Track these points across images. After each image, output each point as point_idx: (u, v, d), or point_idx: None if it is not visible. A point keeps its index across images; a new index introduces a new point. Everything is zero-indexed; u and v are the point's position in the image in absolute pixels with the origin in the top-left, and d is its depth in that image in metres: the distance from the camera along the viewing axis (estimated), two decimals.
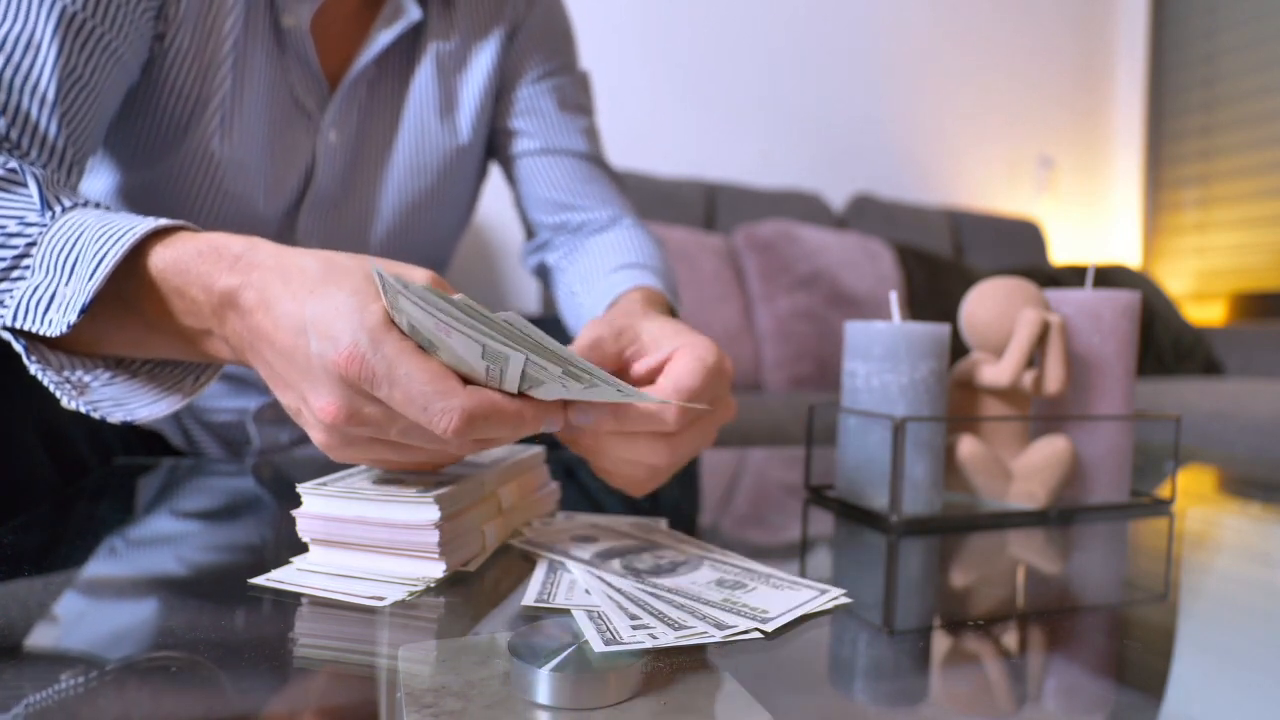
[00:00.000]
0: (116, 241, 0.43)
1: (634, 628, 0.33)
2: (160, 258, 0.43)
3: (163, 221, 0.45)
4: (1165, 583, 0.48)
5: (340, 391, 0.36)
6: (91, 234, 0.44)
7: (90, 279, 0.43)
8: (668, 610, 0.35)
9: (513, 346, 0.35)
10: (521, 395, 0.38)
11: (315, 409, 0.37)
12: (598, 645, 0.30)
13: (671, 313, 0.67)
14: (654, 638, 0.32)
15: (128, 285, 0.44)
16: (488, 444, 0.39)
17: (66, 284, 0.44)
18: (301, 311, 0.37)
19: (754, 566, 0.43)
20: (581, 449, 0.44)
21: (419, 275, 0.39)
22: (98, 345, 0.48)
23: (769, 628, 0.34)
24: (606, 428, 0.41)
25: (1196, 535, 0.60)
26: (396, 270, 0.38)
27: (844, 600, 0.38)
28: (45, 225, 0.46)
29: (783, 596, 0.38)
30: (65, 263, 0.44)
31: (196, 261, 0.42)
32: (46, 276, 0.45)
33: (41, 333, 0.44)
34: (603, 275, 0.76)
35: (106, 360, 0.49)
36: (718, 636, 0.33)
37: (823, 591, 0.39)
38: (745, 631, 0.34)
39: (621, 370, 0.46)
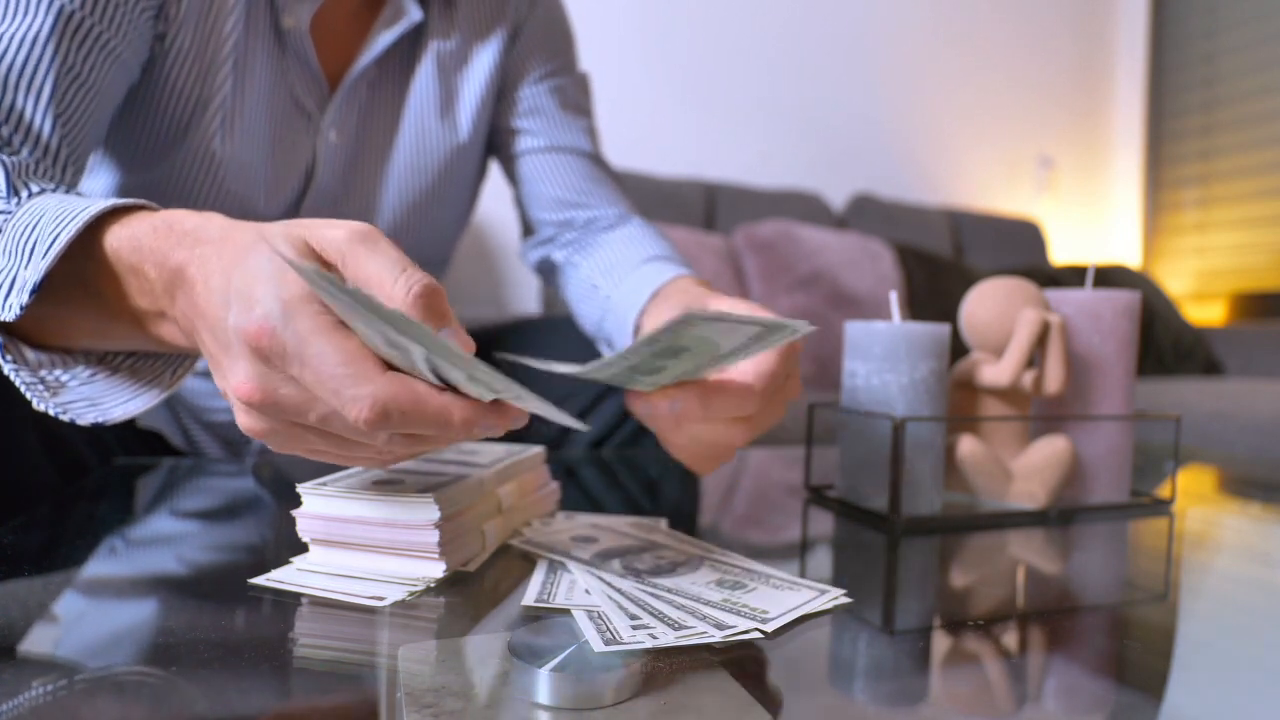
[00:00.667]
0: (70, 220, 0.41)
1: (634, 628, 0.33)
2: (116, 236, 0.41)
3: (118, 201, 0.43)
4: (1165, 583, 0.48)
5: (254, 367, 0.33)
6: (50, 216, 0.43)
7: (44, 258, 0.41)
8: (668, 610, 0.35)
9: (411, 339, 0.30)
10: (451, 390, 0.33)
11: (231, 386, 0.34)
12: (597, 645, 0.30)
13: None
14: (654, 638, 0.32)
15: (86, 267, 0.42)
16: (418, 445, 0.36)
17: (26, 267, 0.42)
18: (227, 283, 0.34)
19: (754, 566, 0.43)
20: (656, 426, 0.43)
21: (339, 231, 0.35)
22: (65, 335, 0.47)
23: (769, 628, 0.34)
24: (693, 418, 0.40)
25: (1196, 535, 0.60)
26: (315, 229, 0.35)
27: (844, 600, 0.38)
28: (9, 212, 0.46)
29: (782, 597, 0.38)
30: (25, 246, 0.43)
31: (150, 238, 0.40)
32: (8, 261, 0.44)
33: (1, 318, 0.43)
34: (632, 267, 0.74)
35: (88, 357, 0.48)
36: (717, 636, 0.33)
37: (822, 592, 0.39)
38: (745, 632, 0.33)
39: None
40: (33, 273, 0.42)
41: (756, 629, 0.34)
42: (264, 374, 0.33)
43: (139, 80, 0.64)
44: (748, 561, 0.43)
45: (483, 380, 0.31)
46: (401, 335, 0.29)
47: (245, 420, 0.35)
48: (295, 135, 0.71)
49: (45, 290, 0.42)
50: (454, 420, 0.33)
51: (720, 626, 0.34)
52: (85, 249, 0.42)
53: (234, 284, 0.34)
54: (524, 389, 0.32)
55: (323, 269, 0.32)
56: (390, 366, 0.33)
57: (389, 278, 0.33)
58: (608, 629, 0.33)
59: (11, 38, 0.53)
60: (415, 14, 0.72)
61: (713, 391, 0.40)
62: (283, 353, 0.32)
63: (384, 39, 0.71)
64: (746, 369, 0.42)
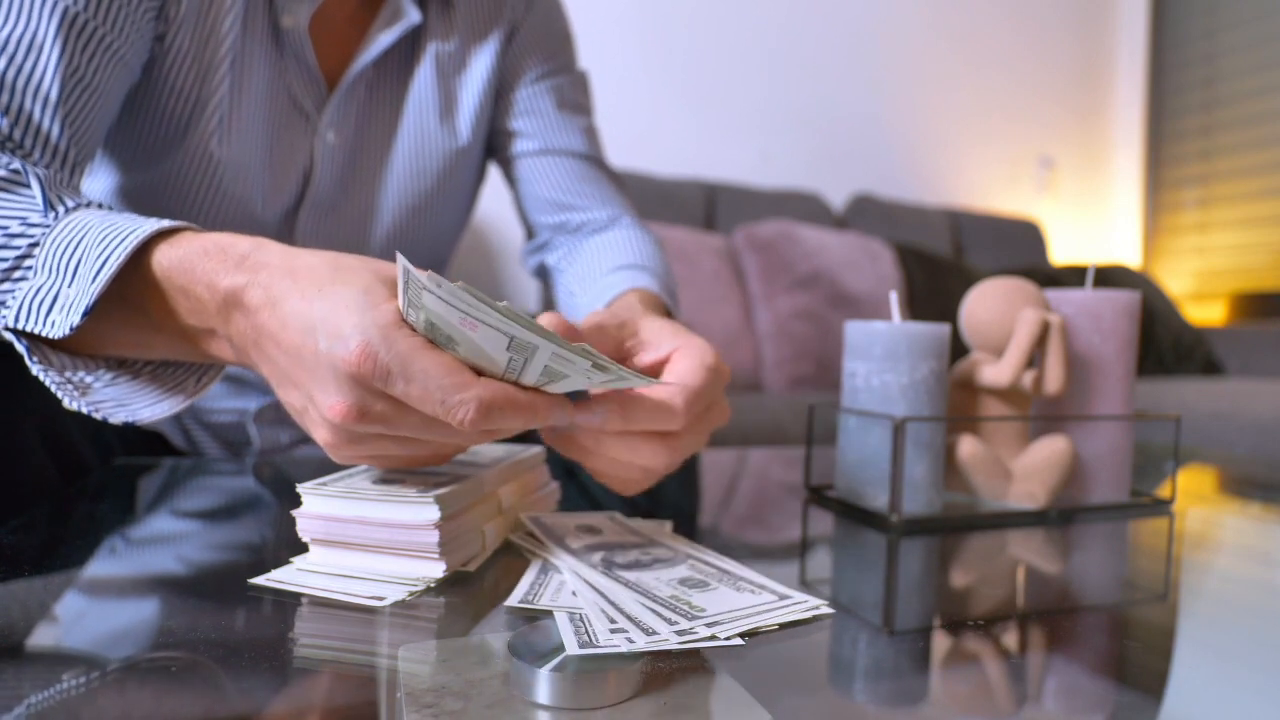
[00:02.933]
0: (120, 243, 0.43)
1: (612, 631, 0.33)
2: (166, 256, 0.43)
3: (166, 223, 0.44)
4: (1165, 583, 0.48)
5: (349, 390, 0.36)
6: (95, 235, 0.44)
7: (94, 280, 0.43)
8: (641, 614, 0.35)
9: (540, 337, 0.35)
10: (531, 389, 0.38)
11: (324, 408, 0.37)
12: (572, 648, 0.30)
13: (668, 315, 0.67)
14: (630, 641, 0.32)
15: (131, 285, 0.44)
16: (497, 433, 0.40)
17: (70, 285, 0.44)
18: (310, 310, 0.37)
19: (734, 569, 0.42)
20: (575, 450, 0.44)
21: (422, 275, 0.39)
22: (100, 346, 0.48)
23: (711, 630, 0.33)
24: (614, 426, 0.41)
25: (1196, 535, 0.60)
26: (388, 269, 0.39)
27: (825, 611, 0.37)
28: (48, 226, 0.46)
29: (737, 599, 0.37)
30: (68, 264, 0.44)
31: (202, 260, 0.42)
32: (49, 278, 0.45)
33: (44, 334, 0.44)
34: (600, 276, 0.76)
35: (109, 361, 0.49)
36: (674, 643, 0.32)
37: (784, 597, 0.38)
38: (704, 639, 0.33)
39: (620, 361, 0.46)
40: (80, 294, 0.43)
41: (713, 635, 0.33)
42: (360, 395, 0.36)
43: (139, 80, 0.64)
44: (736, 565, 0.42)
45: (603, 369, 0.36)
46: (531, 333, 0.34)
47: (327, 436, 0.39)
48: (293, 136, 0.71)
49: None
50: (540, 412, 0.38)
51: (675, 623, 0.34)
52: (131, 267, 0.44)
53: (316, 312, 0.37)
54: (626, 371, 0.37)
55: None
56: (479, 373, 0.37)
57: None
58: (586, 632, 0.33)
59: (18, 41, 0.53)
60: (414, 15, 0.72)
61: (633, 403, 0.41)
62: (386, 374, 0.35)
63: (383, 40, 0.71)
64: (671, 385, 0.43)
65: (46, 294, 0.44)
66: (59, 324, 0.43)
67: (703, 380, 0.43)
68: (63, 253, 0.44)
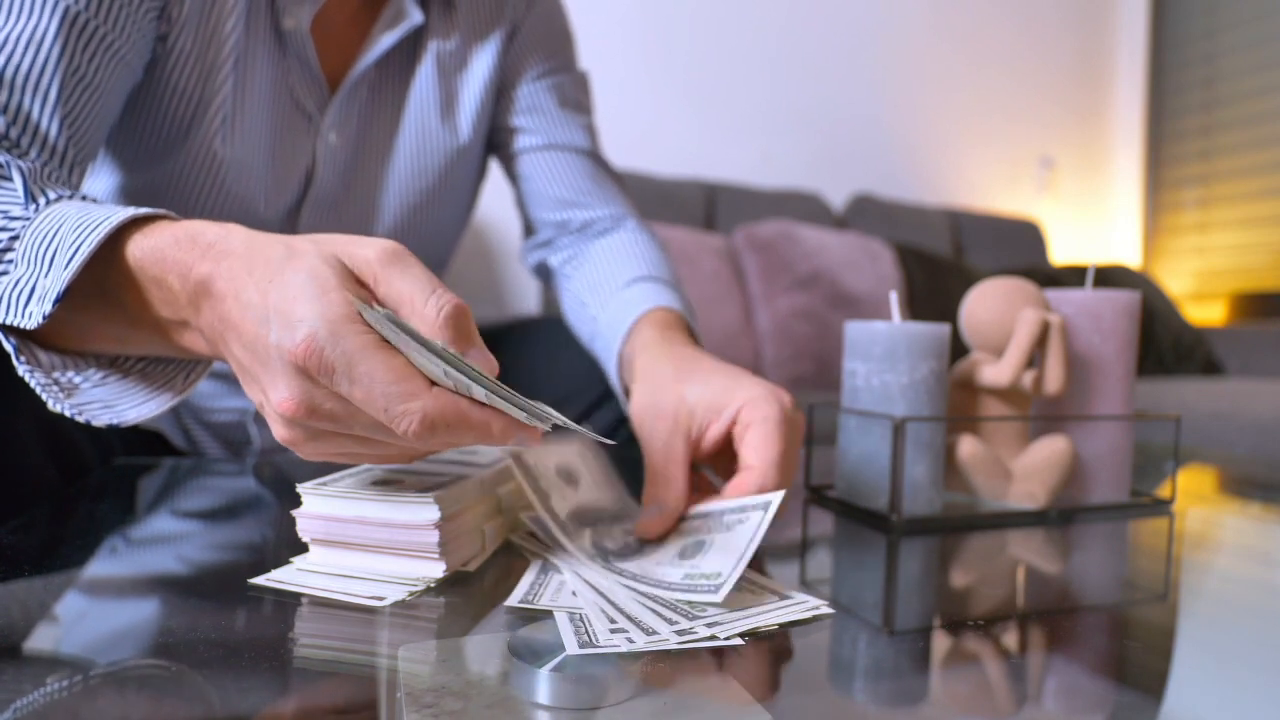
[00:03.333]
0: (93, 231, 0.42)
1: (612, 631, 0.33)
2: (138, 246, 0.42)
3: (140, 210, 0.43)
4: (1165, 583, 0.48)
5: (298, 384, 0.34)
6: (70, 224, 0.43)
7: (66, 268, 0.41)
8: (642, 614, 0.35)
9: (475, 379, 0.33)
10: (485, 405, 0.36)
11: (273, 402, 0.35)
12: (572, 648, 0.31)
13: (691, 334, 0.67)
14: (631, 641, 0.32)
15: (107, 276, 0.43)
16: (454, 444, 0.38)
17: (45, 276, 0.43)
18: (265, 301, 0.35)
19: (713, 507, 0.45)
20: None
21: (370, 251, 0.36)
22: (83, 341, 0.47)
23: (719, 597, 0.35)
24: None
25: (1196, 535, 0.60)
26: (347, 247, 0.37)
27: (825, 611, 0.38)
28: (29, 219, 0.46)
29: (732, 542, 0.39)
30: (45, 255, 0.43)
31: (173, 250, 0.40)
32: (28, 269, 0.44)
33: (21, 325, 0.43)
34: (616, 289, 0.74)
35: (99, 360, 0.48)
36: (674, 643, 0.32)
37: (792, 600, 0.38)
38: (704, 639, 0.33)
39: (698, 443, 0.49)
40: (54, 282, 0.42)
41: (713, 635, 0.33)
42: (308, 390, 0.34)
43: (141, 80, 0.64)
44: (711, 504, 0.45)
45: (525, 410, 0.34)
46: (458, 372, 0.33)
47: (284, 432, 0.37)
48: (296, 137, 0.71)
49: (66, 298, 0.42)
50: (494, 432, 0.35)
51: (682, 619, 0.35)
52: (106, 258, 0.42)
53: (271, 301, 0.35)
54: (554, 413, 0.35)
55: (355, 284, 0.35)
56: (433, 382, 0.35)
57: (420, 298, 0.35)
58: (586, 632, 0.33)
59: (17, 39, 0.53)
60: (416, 16, 0.72)
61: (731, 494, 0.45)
62: (330, 371, 0.33)
63: (385, 41, 0.71)
64: (751, 465, 0.46)
65: (25, 286, 0.44)
66: (35, 314, 0.43)
67: (779, 445, 0.46)
68: (39, 244, 0.44)
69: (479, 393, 0.34)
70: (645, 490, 0.48)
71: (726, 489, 0.46)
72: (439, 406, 0.34)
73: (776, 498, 0.41)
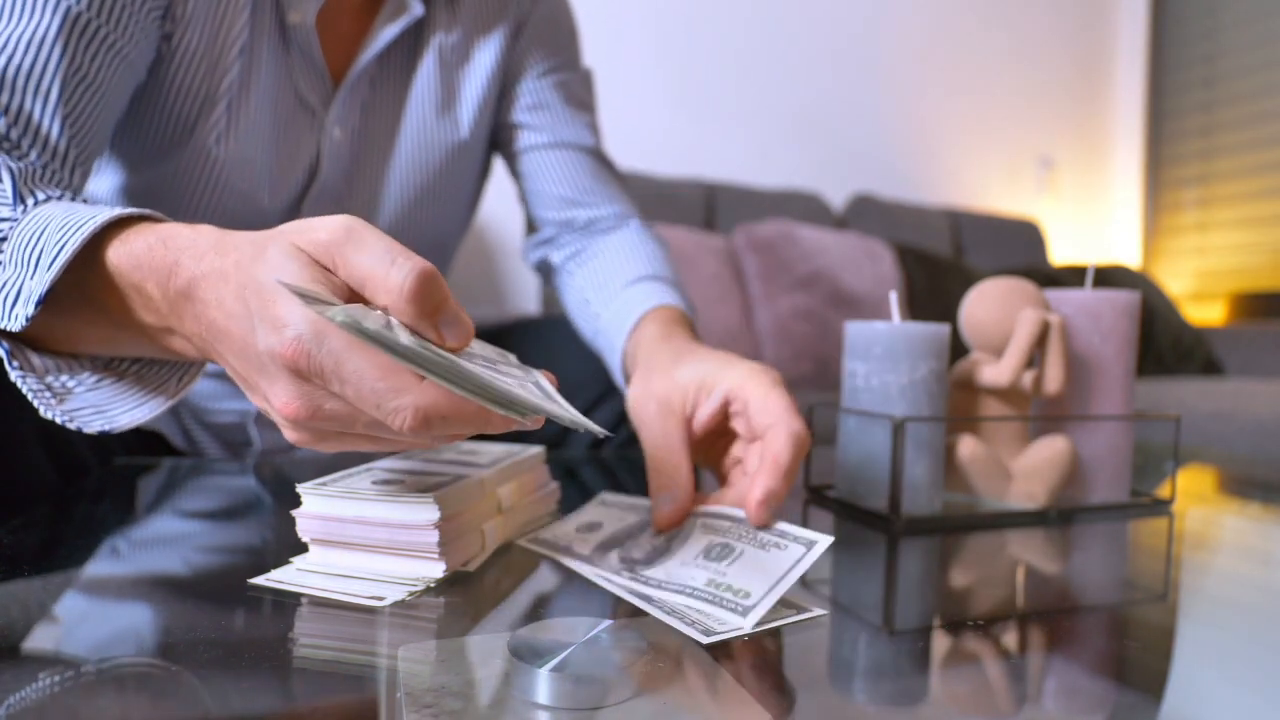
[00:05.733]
0: (75, 232, 0.41)
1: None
2: (115, 253, 0.41)
3: (123, 211, 0.42)
4: (1165, 583, 0.48)
5: (296, 387, 0.34)
6: (55, 226, 0.42)
7: (49, 270, 0.41)
8: (661, 616, 0.35)
9: (451, 380, 0.32)
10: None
11: (276, 407, 0.35)
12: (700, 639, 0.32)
13: (692, 330, 0.67)
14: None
15: (90, 279, 0.42)
16: (454, 438, 0.37)
17: (31, 278, 0.42)
18: (244, 306, 0.35)
19: (740, 514, 0.44)
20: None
21: (323, 234, 0.35)
22: (73, 344, 0.47)
23: (748, 620, 0.35)
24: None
25: (1196, 535, 0.60)
26: (304, 234, 0.35)
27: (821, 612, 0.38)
28: (15, 220, 0.45)
29: (767, 560, 0.39)
30: (30, 256, 0.43)
31: (148, 256, 0.40)
32: (15, 270, 0.43)
33: (9, 328, 0.43)
34: (619, 287, 0.75)
35: (94, 363, 0.48)
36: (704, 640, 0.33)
37: (808, 544, 0.39)
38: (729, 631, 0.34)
39: (689, 422, 0.50)
40: (38, 284, 0.42)
41: (737, 627, 0.34)
42: (306, 392, 0.34)
43: (145, 80, 0.64)
44: (738, 510, 0.45)
45: (505, 406, 0.33)
46: (429, 373, 0.31)
47: (293, 435, 0.36)
48: (299, 132, 0.71)
49: (51, 301, 0.42)
50: (492, 420, 0.34)
51: (707, 632, 0.34)
52: (89, 262, 0.42)
53: (252, 306, 0.34)
54: (540, 390, 0.34)
55: (319, 269, 0.34)
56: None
57: (381, 271, 0.33)
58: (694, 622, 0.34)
59: (19, 39, 0.53)
60: (417, 9, 0.72)
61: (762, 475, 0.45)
62: (320, 372, 0.32)
63: (386, 34, 0.71)
64: (769, 423, 0.46)
65: (12, 288, 0.43)
66: (20, 317, 0.42)
67: (793, 454, 0.45)
68: (25, 245, 0.43)
69: (458, 391, 0.32)
70: (649, 481, 0.48)
71: (752, 451, 0.48)
72: (431, 400, 0.32)
73: (824, 540, 0.39)
